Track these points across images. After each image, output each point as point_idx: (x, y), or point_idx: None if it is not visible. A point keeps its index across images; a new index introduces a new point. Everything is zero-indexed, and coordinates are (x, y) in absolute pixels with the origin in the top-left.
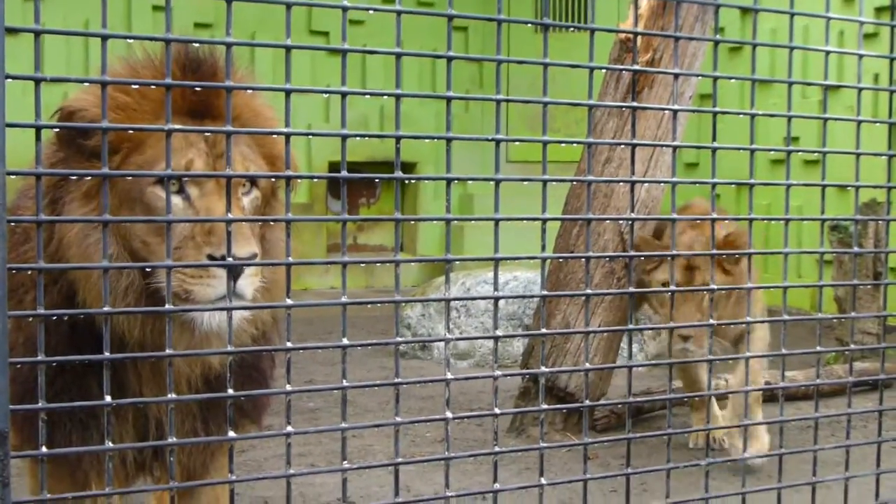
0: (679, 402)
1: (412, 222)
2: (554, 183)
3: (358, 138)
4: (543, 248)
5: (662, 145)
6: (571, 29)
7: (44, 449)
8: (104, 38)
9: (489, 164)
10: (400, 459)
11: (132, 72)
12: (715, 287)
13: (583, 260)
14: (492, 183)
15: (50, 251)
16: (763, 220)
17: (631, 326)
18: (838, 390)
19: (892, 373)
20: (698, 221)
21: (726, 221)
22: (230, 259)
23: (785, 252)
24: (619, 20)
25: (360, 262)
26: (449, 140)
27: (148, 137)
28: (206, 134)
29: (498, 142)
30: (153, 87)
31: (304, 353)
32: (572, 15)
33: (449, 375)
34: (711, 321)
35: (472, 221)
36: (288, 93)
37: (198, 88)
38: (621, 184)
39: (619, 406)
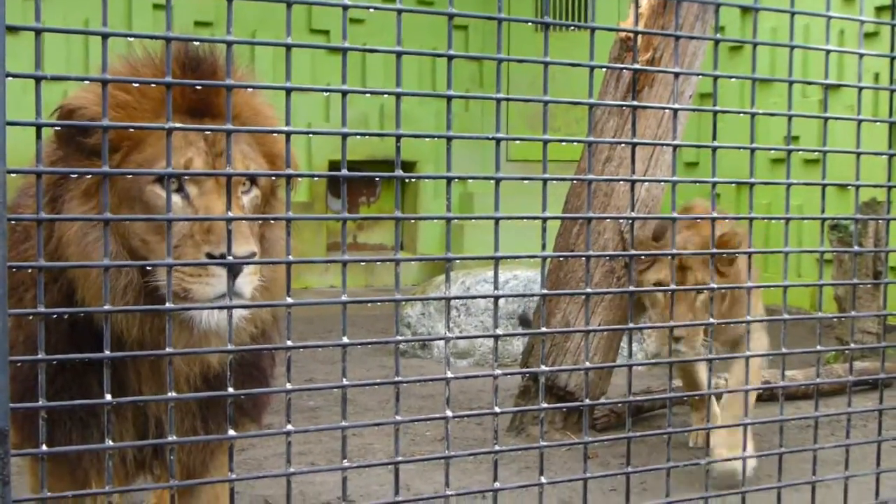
0: (679, 402)
1: (412, 221)
2: (554, 182)
3: (358, 137)
4: (544, 246)
5: (663, 144)
6: (572, 28)
7: (44, 447)
8: (105, 36)
9: (489, 163)
10: (400, 458)
11: (132, 70)
12: (715, 286)
13: (583, 259)
14: (492, 182)
15: (49, 249)
16: (763, 219)
17: (631, 325)
18: (838, 389)
19: (892, 372)
20: (692, 222)
21: (719, 224)
22: (230, 257)
23: (785, 251)
24: (619, 19)
25: (360, 260)
26: (449, 139)
27: (148, 136)
28: (206, 133)
29: (498, 140)
30: (153, 85)
31: (305, 351)
32: (573, 14)
33: (449, 374)
34: (711, 320)
35: (473, 220)
36: (288, 91)
37: (198, 87)
38: (621, 183)
39: (619, 405)
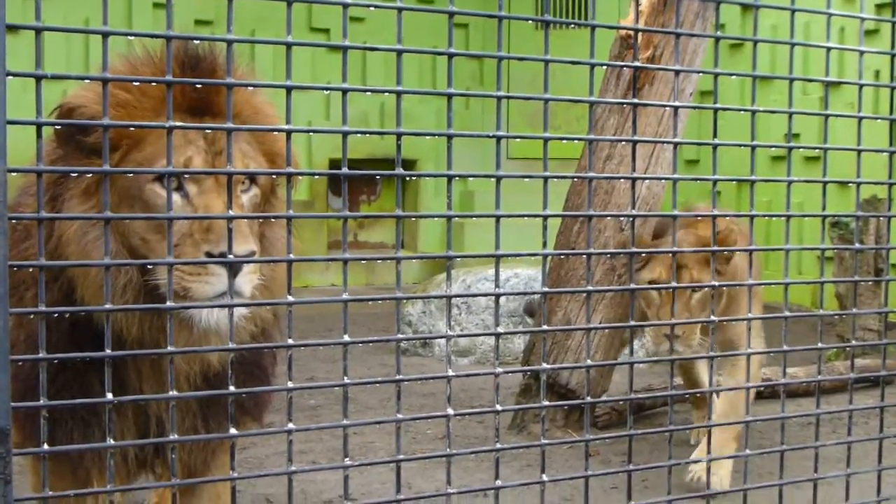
0: (680, 399)
1: (413, 220)
2: (555, 180)
3: (359, 135)
4: (545, 244)
5: (663, 142)
6: (572, 26)
7: (45, 446)
8: (105, 34)
9: (489, 162)
10: (401, 456)
11: (132, 69)
12: (716, 283)
13: (584, 257)
14: (492, 180)
15: (49, 248)
16: (764, 216)
17: (632, 323)
18: (839, 387)
19: (893, 369)
20: (688, 222)
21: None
22: (231, 256)
23: (786, 248)
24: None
25: (361, 258)
26: (450, 137)
27: (147, 135)
28: (205, 131)
29: (499, 138)
30: (153, 84)
31: (305, 350)
32: (573, 12)
33: (450, 372)
34: (712, 318)
35: (473, 219)
36: (289, 90)
37: (198, 86)
38: (622, 180)
39: (621, 403)
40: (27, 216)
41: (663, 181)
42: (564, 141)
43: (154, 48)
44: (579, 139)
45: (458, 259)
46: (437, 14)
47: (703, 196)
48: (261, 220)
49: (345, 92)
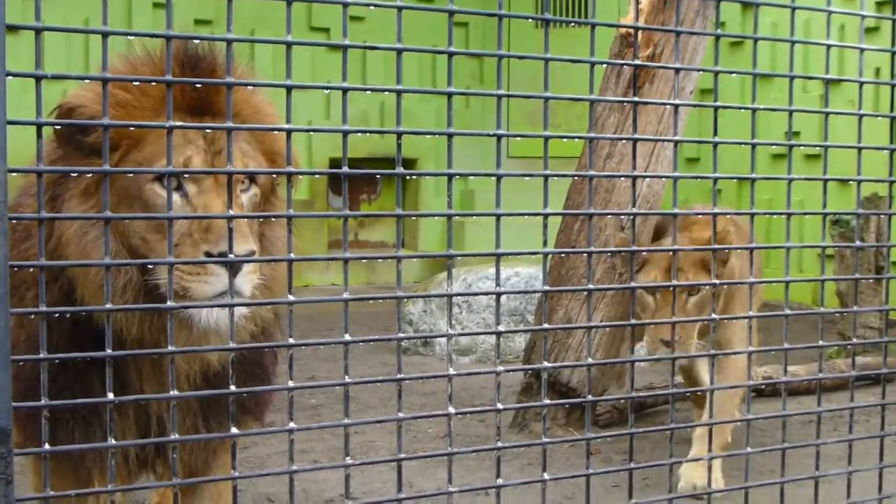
0: (681, 398)
1: (413, 219)
2: (555, 178)
3: (359, 135)
4: (545, 243)
5: (664, 140)
6: (572, 24)
7: (47, 446)
8: (105, 34)
9: (490, 160)
10: (402, 455)
11: (132, 69)
12: (716, 282)
13: (584, 255)
14: (492, 179)
15: (49, 249)
16: (765, 214)
17: (633, 322)
18: (840, 385)
19: (894, 367)
20: (684, 224)
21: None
22: (231, 255)
23: (787, 246)
24: (619, 15)
25: (361, 257)
26: (450, 135)
27: (147, 134)
28: (205, 131)
29: (499, 137)
30: (153, 84)
31: (306, 349)
32: (573, 10)
33: (451, 371)
34: (714, 315)
35: (473, 217)
36: (289, 89)
37: (198, 86)
38: (622, 179)
39: (622, 401)
40: (27, 216)
41: (664, 179)
42: (565, 139)
43: (153, 48)
44: (580, 137)
45: (459, 258)
46: (436, 13)
47: (704, 194)
48: (261, 220)
49: (345, 91)
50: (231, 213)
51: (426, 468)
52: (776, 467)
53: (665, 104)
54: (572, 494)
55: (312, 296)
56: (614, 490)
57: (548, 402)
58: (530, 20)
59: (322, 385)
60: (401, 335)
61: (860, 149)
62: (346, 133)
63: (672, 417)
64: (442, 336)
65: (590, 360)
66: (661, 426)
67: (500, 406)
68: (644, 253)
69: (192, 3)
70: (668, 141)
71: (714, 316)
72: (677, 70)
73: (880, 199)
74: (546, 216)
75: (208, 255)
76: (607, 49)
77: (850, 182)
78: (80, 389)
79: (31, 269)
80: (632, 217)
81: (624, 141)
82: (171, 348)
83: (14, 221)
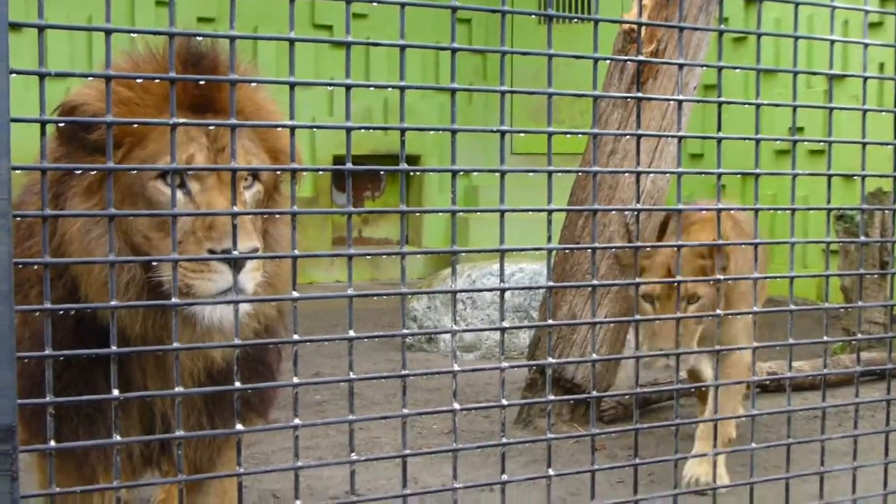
0: (686, 393)
1: (417, 216)
2: (559, 174)
3: (362, 131)
4: (549, 239)
5: (667, 136)
6: (575, 20)
7: (52, 443)
8: (108, 32)
9: (493, 157)
10: (407, 451)
11: (134, 66)
12: (721, 277)
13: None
14: (496, 175)
15: (52, 247)
16: (769, 210)
17: (637, 317)
18: (845, 380)
19: None
20: (685, 230)
21: (710, 230)
22: (235, 252)
23: (791, 242)
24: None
25: (366, 254)
26: (454, 132)
27: (150, 132)
28: (208, 128)
29: (503, 133)
30: (155, 81)
31: (310, 346)
32: (576, 6)
33: (456, 367)
34: (719, 311)
35: (477, 214)
36: (292, 86)
37: (200, 83)
38: (626, 175)
39: (627, 397)
40: (32, 213)
41: (668, 176)
42: (568, 135)
43: (156, 46)
44: (583, 133)
45: (463, 254)
46: (439, 10)
47: (708, 190)
48: (264, 217)
49: (348, 88)
50: (234, 209)
51: (431, 464)
52: (781, 463)
53: (669, 100)
54: (577, 490)
55: (316, 293)
56: (619, 486)
57: (552, 397)
58: (533, 16)
59: (327, 381)
60: (405, 331)
61: (864, 144)
62: (349, 130)
63: (677, 413)
64: (446, 332)
65: (594, 356)
66: (666, 422)
67: (504, 402)
68: (642, 261)
69: (194, 0)
70: (672, 136)
71: (719, 311)
72: (681, 66)
73: (885, 195)
74: (550, 212)
75: (212, 252)
76: (610, 45)
77: (855, 177)
78: (84, 387)
79: (35, 267)
80: (636, 213)
81: (627, 137)
82: (175, 345)
83: (17, 220)
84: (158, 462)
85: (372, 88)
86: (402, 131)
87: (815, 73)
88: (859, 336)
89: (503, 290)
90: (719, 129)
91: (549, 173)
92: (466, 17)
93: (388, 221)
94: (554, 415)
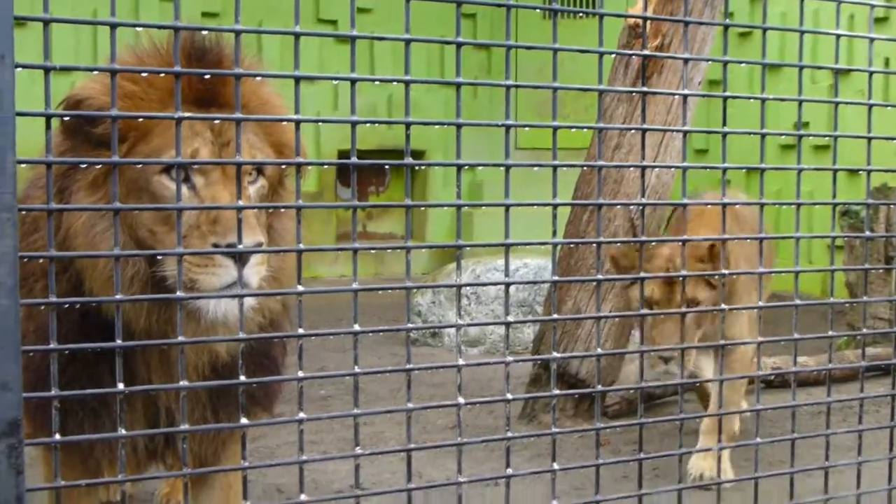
0: (691, 388)
1: (421, 211)
2: (564, 169)
3: (367, 126)
4: (554, 233)
5: (673, 130)
6: (580, 15)
7: (57, 436)
8: (113, 26)
9: (498, 152)
10: (412, 445)
11: (138, 61)
12: (727, 272)
13: (593, 246)
14: (501, 170)
15: (57, 241)
16: (774, 204)
17: (643, 312)
18: (849, 376)
19: None
20: (680, 225)
21: (709, 230)
22: (240, 246)
23: (796, 236)
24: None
25: (370, 248)
26: (459, 126)
27: (154, 126)
28: (212, 122)
29: (508, 127)
30: (160, 75)
31: (315, 340)
32: (581, 1)
33: (461, 361)
34: (723, 305)
35: (482, 209)
36: (297, 80)
37: (205, 77)
38: (631, 170)
39: (631, 391)
40: (37, 207)
41: (673, 170)
42: (573, 130)
43: (160, 40)
44: (588, 128)
45: (468, 249)
46: (444, 4)
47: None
48: (269, 212)
49: (353, 82)
50: (239, 203)
51: (435, 459)
52: (786, 458)
53: (674, 94)
54: (581, 485)
55: (321, 287)
56: (623, 481)
57: (557, 392)
58: (538, 11)
59: (332, 375)
60: (410, 325)
61: (870, 139)
62: (354, 123)
63: (681, 408)
64: (451, 326)
65: (599, 351)
66: (671, 416)
67: (509, 396)
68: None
69: None
70: (677, 131)
71: (723, 306)
72: (686, 60)
73: (890, 190)
74: (555, 206)
75: (216, 246)
76: (615, 41)
77: (860, 172)
78: (88, 381)
79: (41, 261)
80: (641, 207)
81: (633, 131)
82: (180, 339)
83: (22, 214)
84: (163, 456)
85: (377, 82)
86: (407, 125)
87: (820, 68)
88: (864, 331)
89: (508, 285)
90: (724, 124)
91: (554, 167)
92: (471, 13)
93: (393, 217)
94: (558, 410)
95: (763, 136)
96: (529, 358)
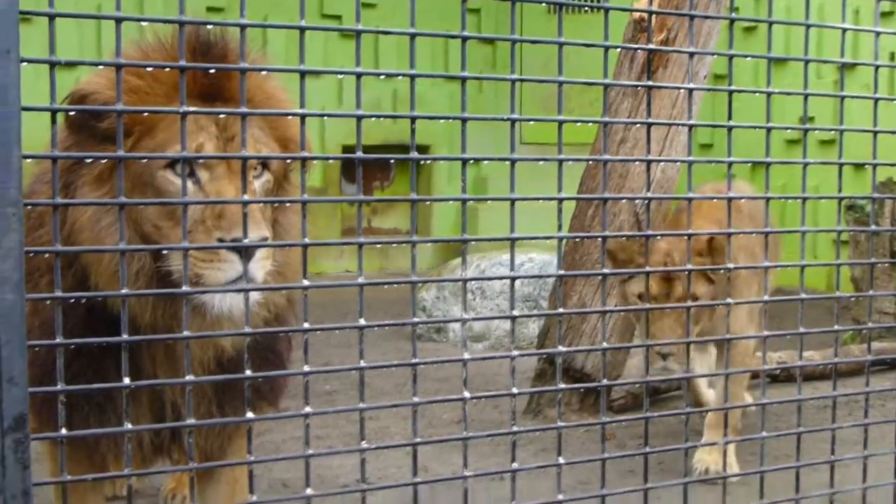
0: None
1: (427, 205)
2: (569, 163)
3: (372, 121)
4: (560, 227)
5: (678, 124)
6: (585, 9)
7: (63, 431)
8: (118, 20)
9: (503, 146)
10: (418, 440)
11: (143, 56)
12: (732, 266)
13: (598, 241)
14: (506, 165)
15: (62, 236)
16: (780, 198)
17: (648, 306)
18: (855, 370)
19: None
20: (679, 225)
21: (711, 227)
22: (246, 241)
23: (802, 231)
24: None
25: (376, 242)
26: (464, 120)
27: (159, 121)
28: (217, 117)
29: (513, 121)
30: (166, 70)
31: (320, 336)
32: None
33: (466, 356)
34: (729, 300)
35: (487, 204)
36: (302, 74)
37: (210, 71)
38: (636, 164)
39: (637, 385)
40: (42, 202)
41: (678, 164)
42: (578, 124)
43: (165, 35)
44: (594, 121)
45: (472, 244)
46: None
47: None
48: (274, 206)
49: (359, 76)
50: (245, 198)
51: (441, 453)
52: (791, 452)
53: (679, 88)
54: (587, 479)
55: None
56: (629, 475)
57: (563, 386)
58: (543, 4)
59: (337, 370)
60: (416, 320)
61: (876, 133)
62: (360, 118)
63: (687, 402)
64: (457, 321)
65: (604, 345)
66: (676, 410)
67: (515, 390)
68: (639, 259)
69: None
70: (683, 125)
71: (729, 300)
72: (691, 54)
73: (895, 184)
74: (561, 200)
75: (221, 241)
76: (620, 36)
77: (866, 166)
78: (93, 376)
79: (46, 256)
80: (646, 202)
81: (638, 125)
82: (186, 333)
83: (27, 209)
84: (169, 451)
85: (382, 77)
86: (413, 119)
87: (826, 62)
88: (870, 325)
89: (513, 279)
90: (730, 118)
91: (560, 162)
92: (475, 7)
93: (398, 212)
94: (563, 404)
95: (768, 130)
96: (535, 352)
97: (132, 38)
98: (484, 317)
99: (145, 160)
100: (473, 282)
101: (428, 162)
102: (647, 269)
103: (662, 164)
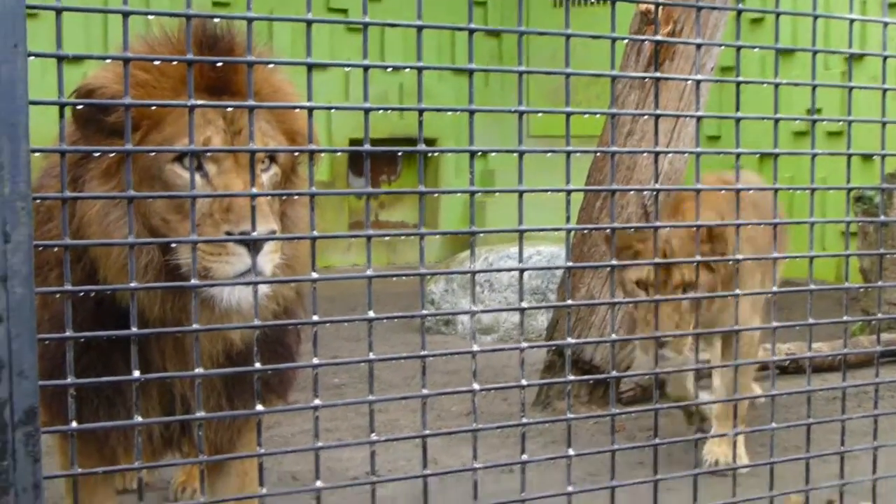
0: (708, 374)
1: (434, 197)
2: (577, 156)
3: (379, 113)
4: (568, 219)
5: (686, 115)
6: (591, 1)
7: (74, 424)
8: (125, 14)
9: (510, 139)
10: (427, 431)
11: (150, 50)
12: (740, 257)
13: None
14: (513, 158)
15: (71, 230)
16: (788, 189)
17: (657, 297)
18: (864, 361)
19: None
20: (678, 211)
21: (710, 214)
22: (254, 234)
23: (810, 221)
24: None
25: (384, 234)
26: (471, 112)
27: (167, 115)
28: (224, 111)
29: (521, 113)
30: (173, 63)
31: (329, 329)
32: None
33: (475, 347)
34: (738, 292)
35: (495, 197)
36: (309, 67)
37: (218, 64)
38: (644, 156)
39: (646, 377)
40: (51, 196)
41: (685, 156)
42: (586, 116)
43: (172, 28)
44: (601, 113)
45: (480, 237)
46: None
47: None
48: (282, 200)
49: (366, 69)
50: (253, 191)
51: (450, 445)
52: (801, 443)
53: (686, 79)
54: (597, 471)
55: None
56: (638, 467)
57: (572, 377)
58: None
59: (346, 362)
60: (424, 312)
61: (884, 123)
62: (367, 111)
63: (696, 394)
64: (465, 313)
65: (613, 336)
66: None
67: (524, 382)
68: (636, 245)
69: None
70: (690, 116)
71: (737, 292)
72: (698, 45)
73: None
74: (569, 192)
75: (229, 234)
76: (627, 27)
77: (874, 157)
78: (103, 369)
79: (55, 250)
80: (654, 193)
81: (645, 118)
82: (195, 326)
83: (36, 203)
84: (179, 444)
85: (389, 69)
86: (420, 112)
87: (834, 52)
88: (879, 316)
89: (522, 271)
90: (738, 110)
91: (568, 154)
92: (482, 1)
93: (405, 205)
94: (572, 396)
95: (776, 121)
96: (544, 344)
97: (139, 32)
98: (493, 309)
99: (153, 154)
100: (482, 274)
101: (435, 155)
102: (657, 260)
103: (670, 155)
